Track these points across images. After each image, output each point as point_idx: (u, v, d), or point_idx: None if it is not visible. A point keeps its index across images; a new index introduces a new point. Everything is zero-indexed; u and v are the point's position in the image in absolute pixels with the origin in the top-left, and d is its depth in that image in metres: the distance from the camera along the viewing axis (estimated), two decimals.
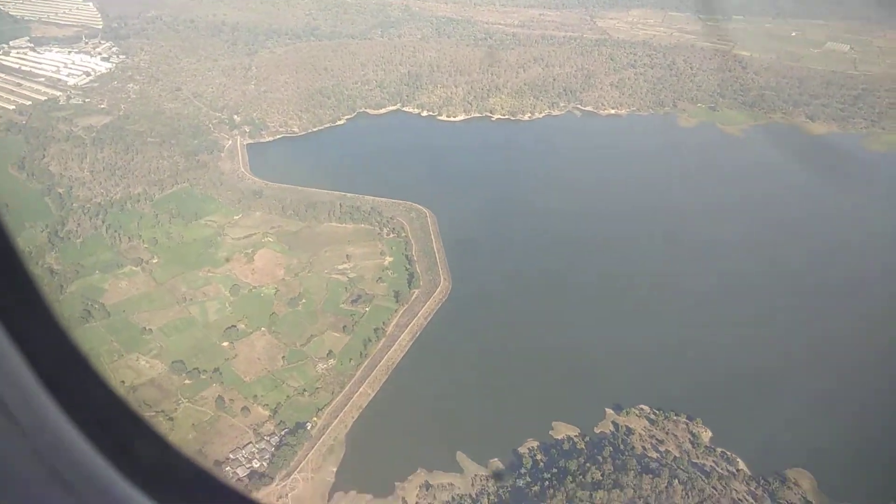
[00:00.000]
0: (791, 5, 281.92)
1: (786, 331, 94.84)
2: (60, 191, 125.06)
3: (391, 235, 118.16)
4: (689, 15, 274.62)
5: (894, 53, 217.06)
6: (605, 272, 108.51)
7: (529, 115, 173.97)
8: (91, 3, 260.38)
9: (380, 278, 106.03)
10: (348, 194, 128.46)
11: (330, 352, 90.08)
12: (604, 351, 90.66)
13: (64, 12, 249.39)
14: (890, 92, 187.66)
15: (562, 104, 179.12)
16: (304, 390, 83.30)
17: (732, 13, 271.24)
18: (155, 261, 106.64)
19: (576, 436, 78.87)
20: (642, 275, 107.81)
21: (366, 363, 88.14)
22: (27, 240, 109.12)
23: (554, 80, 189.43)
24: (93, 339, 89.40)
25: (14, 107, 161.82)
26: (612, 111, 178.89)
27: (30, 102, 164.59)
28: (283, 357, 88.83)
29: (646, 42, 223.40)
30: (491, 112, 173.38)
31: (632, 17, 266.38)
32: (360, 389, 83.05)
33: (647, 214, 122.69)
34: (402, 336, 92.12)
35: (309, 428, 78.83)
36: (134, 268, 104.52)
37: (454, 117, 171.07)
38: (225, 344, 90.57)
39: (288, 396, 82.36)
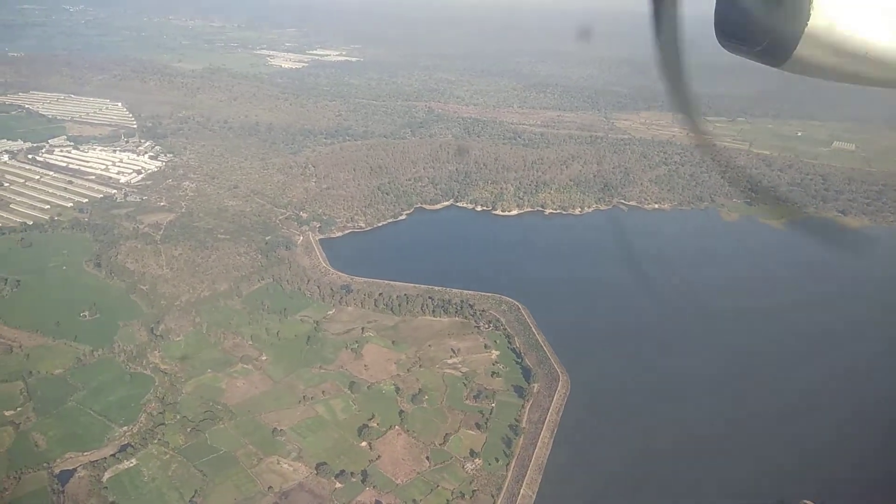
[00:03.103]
0: (788, 107, 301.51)
1: None
2: (144, 288, 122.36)
3: (489, 328, 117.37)
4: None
5: None
6: (707, 351, 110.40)
7: (580, 209, 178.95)
8: (120, 104, 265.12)
9: (494, 373, 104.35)
10: (434, 287, 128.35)
11: (472, 451, 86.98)
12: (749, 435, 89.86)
13: (95, 112, 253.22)
14: None
15: (607, 199, 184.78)
16: (462, 493, 79.57)
17: (736, 115, 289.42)
18: (264, 358, 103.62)
19: None
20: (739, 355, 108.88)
21: (513, 463, 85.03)
22: (126, 338, 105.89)
23: (594, 176, 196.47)
24: (226, 442, 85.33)
25: (71, 204, 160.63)
26: (656, 206, 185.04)
27: (86, 200, 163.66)
28: (427, 457, 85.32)
29: (669, 141, 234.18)
30: (543, 206, 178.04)
31: (643, 118, 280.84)
32: (522, 491, 79.64)
33: (746, 306, 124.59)
34: (542, 433, 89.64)
35: None
36: (245, 366, 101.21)
37: (509, 212, 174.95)
38: (363, 444, 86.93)
39: (448, 501, 78.48)
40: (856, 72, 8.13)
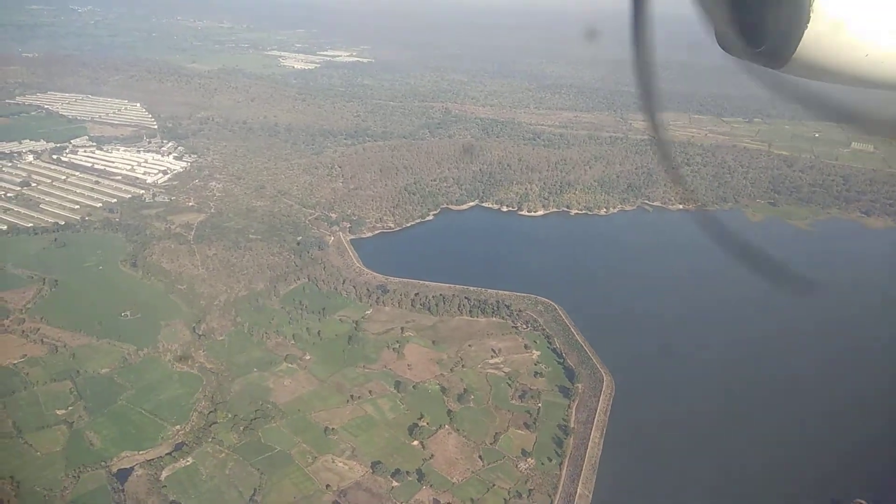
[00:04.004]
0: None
1: None
2: (182, 287, 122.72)
3: (527, 329, 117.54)
4: (712, 117, 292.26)
5: None
6: (749, 348, 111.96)
7: (605, 210, 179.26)
8: (138, 105, 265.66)
9: (536, 373, 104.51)
10: (469, 287, 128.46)
11: (523, 450, 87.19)
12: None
13: (114, 112, 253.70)
14: None
15: (631, 199, 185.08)
16: (519, 492, 79.72)
17: (752, 116, 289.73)
18: (308, 357, 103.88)
19: None
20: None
21: (566, 462, 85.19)
22: (169, 337, 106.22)
23: (618, 176, 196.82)
24: (279, 441, 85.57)
25: (100, 204, 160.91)
26: (680, 206, 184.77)
27: (115, 200, 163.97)
28: (480, 456, 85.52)
29: (689, 142, 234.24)
30: (568, 207, 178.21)
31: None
32: (578, 491, 79.79)
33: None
34: (591, 433, 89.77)
35: None
36: (290, 365, 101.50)
37: (534, 212, 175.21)
38: (415, 443, 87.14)
39: (505, 500, 78.64)
40: (857, 74, 7.95)
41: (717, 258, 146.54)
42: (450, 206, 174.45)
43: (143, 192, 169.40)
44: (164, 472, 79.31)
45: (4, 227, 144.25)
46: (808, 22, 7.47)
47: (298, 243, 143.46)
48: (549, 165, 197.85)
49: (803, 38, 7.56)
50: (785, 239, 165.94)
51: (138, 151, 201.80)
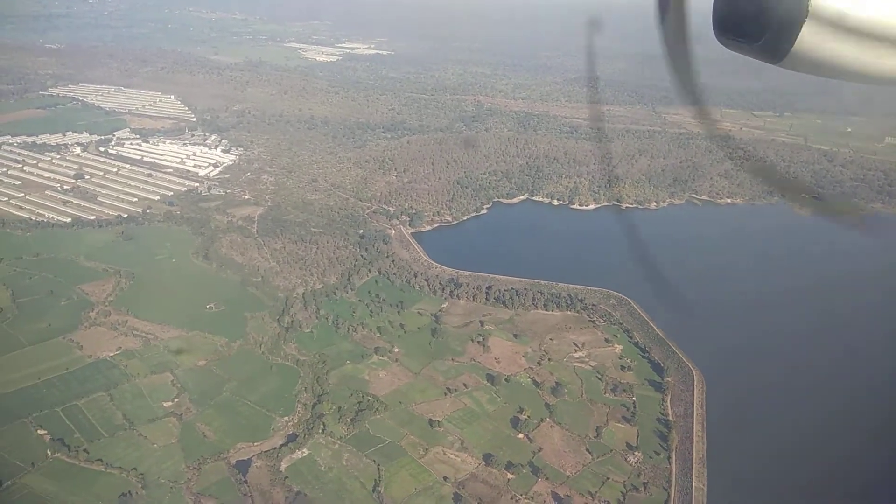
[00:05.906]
0: (830, 103, 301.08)
1: None
2: (257, 280, 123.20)
3: (604, 323, 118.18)
4: (742, 111, 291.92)
5: None
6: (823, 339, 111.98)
7: (655, 204, 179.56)
8: (172, 97, 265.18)
9: (623, 367, 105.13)
10: (541, 281, 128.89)
11: (628, 444, 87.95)
12: None
13: (150, 105, 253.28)
14: None
15: (679, 193, 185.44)
16: (634, 486, 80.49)
17: (783, 110, 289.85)
18: (396, 350, 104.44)
19: None
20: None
21: (674, 456, 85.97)
22: (257, 330, 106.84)
23: (663, 170, 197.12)
24: (388, 433, 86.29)
25: (158, 197, 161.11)
26: (729, 200, 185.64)
27: (171, 193, 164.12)
28: (587, 450, 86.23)
29: (728, 136, 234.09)
30: (619, 201, 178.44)
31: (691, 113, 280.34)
32: (694, 484, 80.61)
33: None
34: (693, 427, 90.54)
35: None
36: (381, 357, 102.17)
37: (586, 206, 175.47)
38: (520, 436, 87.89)
39: (623, 493, 79.40)
40: (854, 69, 8.04)
41: (783, 248, 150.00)
42: (501, 200, 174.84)
43: (197, 184, 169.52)
44: (282, 463, 79.97)
45: (68, 220, 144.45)
46: (805, 17, 7.63)
47: (361, 237, 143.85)
48: (595, 159, 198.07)
49: (801, 33, 7.71)
50: (834, 233, 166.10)
51: (184, 144, 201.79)
